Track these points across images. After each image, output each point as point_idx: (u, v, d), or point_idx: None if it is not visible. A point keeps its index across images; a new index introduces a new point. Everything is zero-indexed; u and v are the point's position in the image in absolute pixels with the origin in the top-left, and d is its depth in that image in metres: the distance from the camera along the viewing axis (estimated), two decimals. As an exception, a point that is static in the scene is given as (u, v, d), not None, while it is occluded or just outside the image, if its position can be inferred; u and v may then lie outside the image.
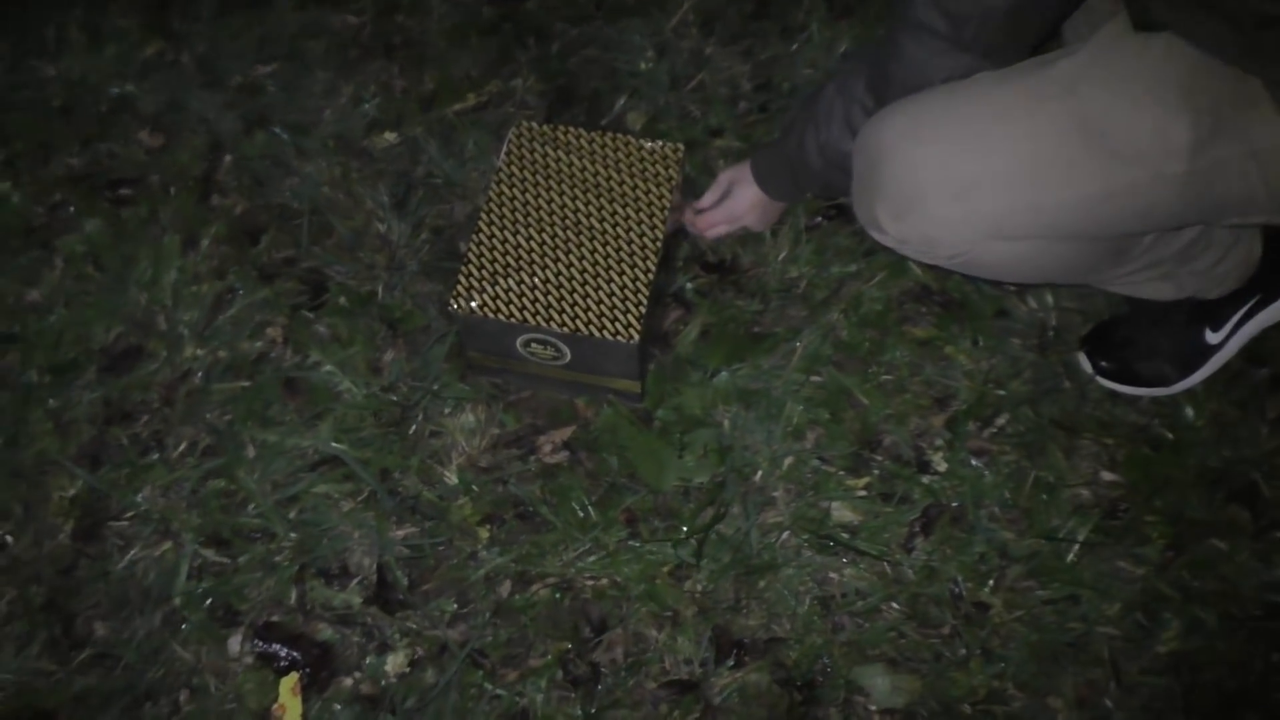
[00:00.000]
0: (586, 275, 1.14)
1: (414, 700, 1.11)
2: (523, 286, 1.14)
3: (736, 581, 1.16)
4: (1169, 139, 0.86)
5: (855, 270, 1.34)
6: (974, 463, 1.22)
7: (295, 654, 1.13)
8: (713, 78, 1.51)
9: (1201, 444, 1.22)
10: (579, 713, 1.10)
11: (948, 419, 1.25)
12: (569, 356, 1.17)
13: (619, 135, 1.24)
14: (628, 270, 1.15)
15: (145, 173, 1.45)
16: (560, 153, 1.23)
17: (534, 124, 1.25)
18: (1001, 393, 1.26)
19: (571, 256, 1.16)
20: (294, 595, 1.16)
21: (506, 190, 1.20)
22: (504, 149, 1.24)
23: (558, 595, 1.16)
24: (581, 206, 1.19)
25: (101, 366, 1.30)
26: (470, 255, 1.16)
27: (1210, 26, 0.83)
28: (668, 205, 1.19)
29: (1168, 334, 1.21)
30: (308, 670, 1.12)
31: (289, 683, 1.12)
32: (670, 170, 1.21)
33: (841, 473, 1.22)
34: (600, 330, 1.11)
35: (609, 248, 1.16)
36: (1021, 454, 1.22)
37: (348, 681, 1.12)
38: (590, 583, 1.16)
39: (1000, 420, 1.25)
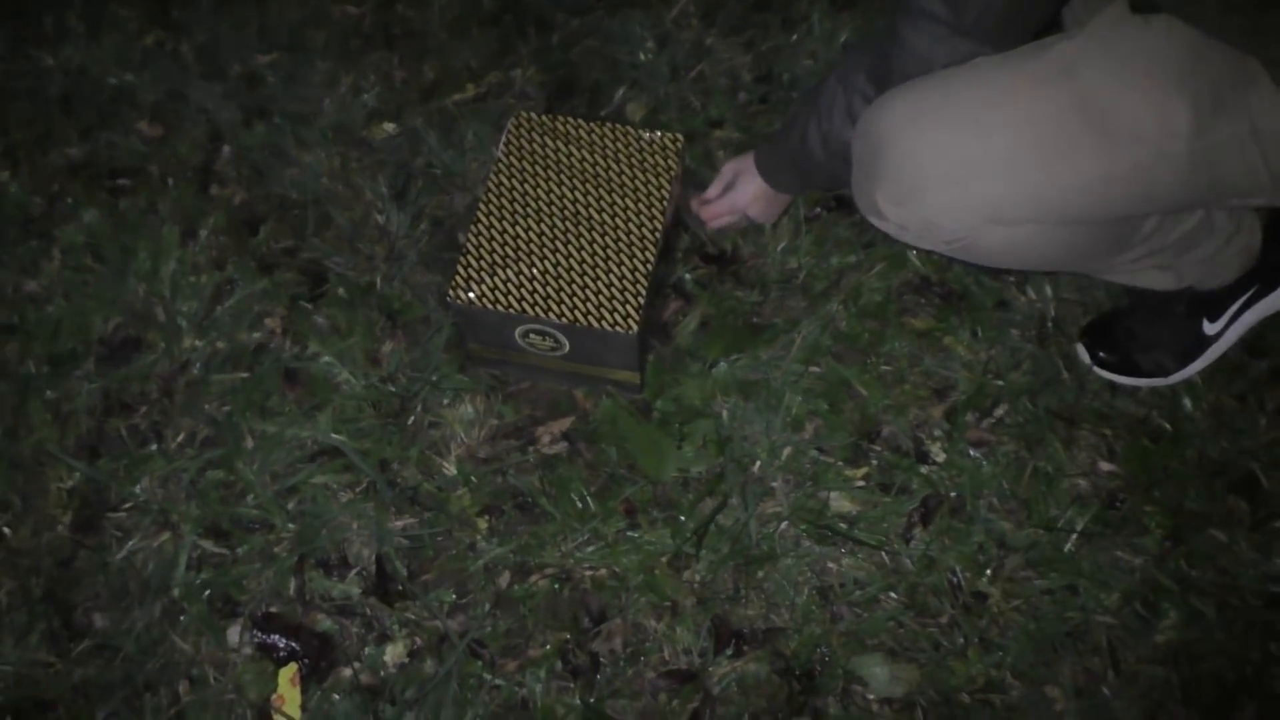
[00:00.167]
0: (585, 266, 1.14)
1: (413, 690, 1.11)
2: (521, 277, 1.14)
3: (735, 571, 1.16)
4: (1169, 120, 0.86)
5: (855, 261, 1.34)
6: (973, 453, 1.22)
7: (294, 644, 1.13)
8: (713, 69, 1.50)
9: (1200, 435, 1.22)
10: (578, 702, 1.10)
11: (947, 410, 1.25)
12: (568, 347, 1.16)
13: (619, 126, 1.24)
14: (627, 261, 1.14)
15: (144, 163, 1.45)
16: (560, 143, 1.23)
17: (533, 115, 1.25)
18: (1000, 384, 1.26)
19: (570, 247, 1.15)
20: (293, 586, 1.16)
21: (505, 181, 1.20)
22: (503, 139, 1.23)
23: (557, 586, 1.16)
24: (581, 197, 1.19)
25: (100, 357, 1.30)
26: (469, 246, 1.16)
27: (1209, 7, 0.83)
28: (667, 196, 1.19)
29: (1167, 325, 1.21)
30: (307, 661, 1.13)
31: (288, 673, 1.12)
32: (670, 161, 1.21)
33: (840, 463, 1.22)
34: (599, 321, 1.11)
35: (608, 238, 1.16)
36: (1020, 445, 1.22)
37: (347, 672, 1.12)
38: (589, 573, 1.16)
39: (999, 411, 1.25)
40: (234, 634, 1.14)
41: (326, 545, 1.18)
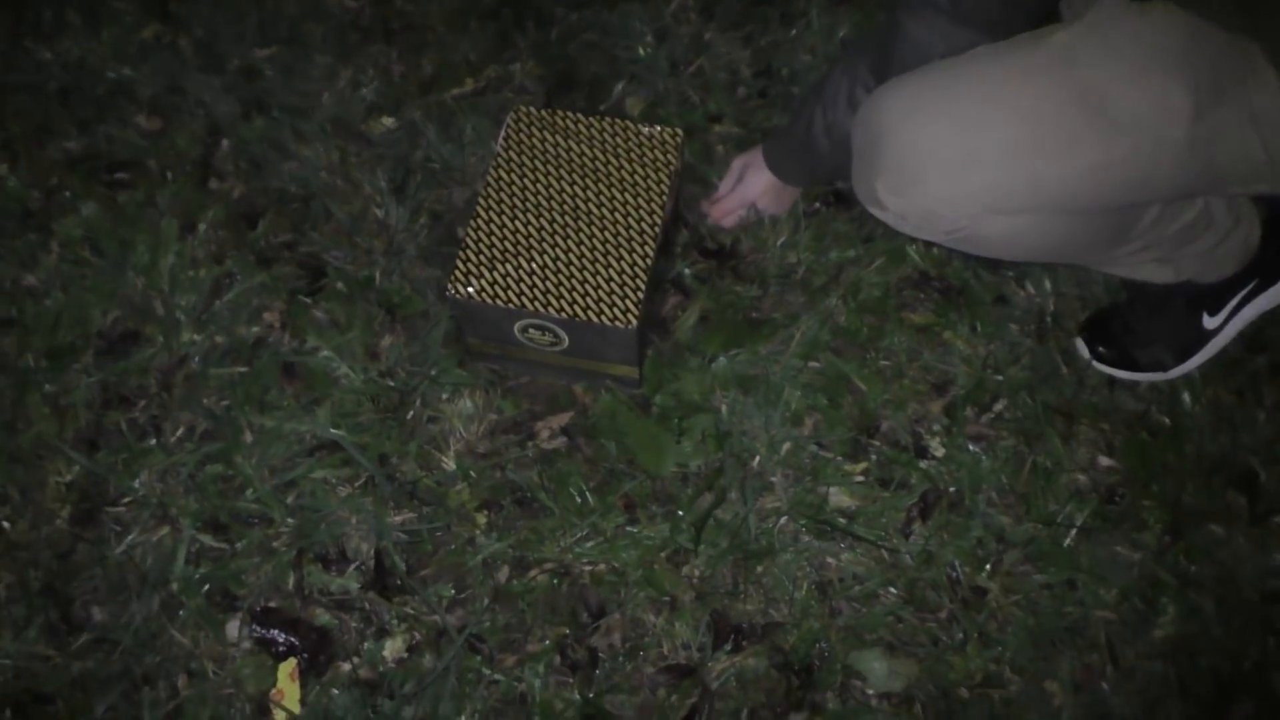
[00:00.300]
0: (585, 261, 1.14)
1: (412, 685, 1.11)
2: (520, 272, 1.14)
3: (734, 566, 1.16)
4: (1168, 106, 0.86)
5: (854, 256, 1.34)
6: (972, 448, 1.22)
7: (293, 639, 1.13)
8: (712, 63, 1.50)
9: (1199, 430, 1.23)
10: (577, 697, 1.10)
11: (946, 405, 1.25)
12: (567, 342, 1.16)
13: (618, 120, 1.23)
14: (626, 256, 1.14)
15: (143, 157, 1.45)
16: (559, 138, 1.22)
17: (532, 109, 1.25)
18: (1000, 378, 1.26)
19: (570, 242, 1.15)
20: (292, 580, 1.16)
21: (505, 175, 1.20)
22: (502, 134, 1.23)
23: (556, 581, 1.16)
24: (580, 192, 1.19)
25: (99, 351, 1.30)
26: (468, 240, 1.16)
27: None
28: (666, 191, 1.18)
29: (1166, 320, 1.21)
30: (306, 655, 1.13)
31: (287, 668, 1.12)
32: (669, 156, 1.21)
33: (839, 458, 1.22)
34: (598, 316, 1.11)
35: (607, 233, 1.16)
36: (1019, 439, 1.22)
37: (346, 666, 1.12)
38: (588, 568, 1.16)
39: (998, 406, 1.25)
40: (233, 628, 1.14)
41: (325, 539, 1.18)
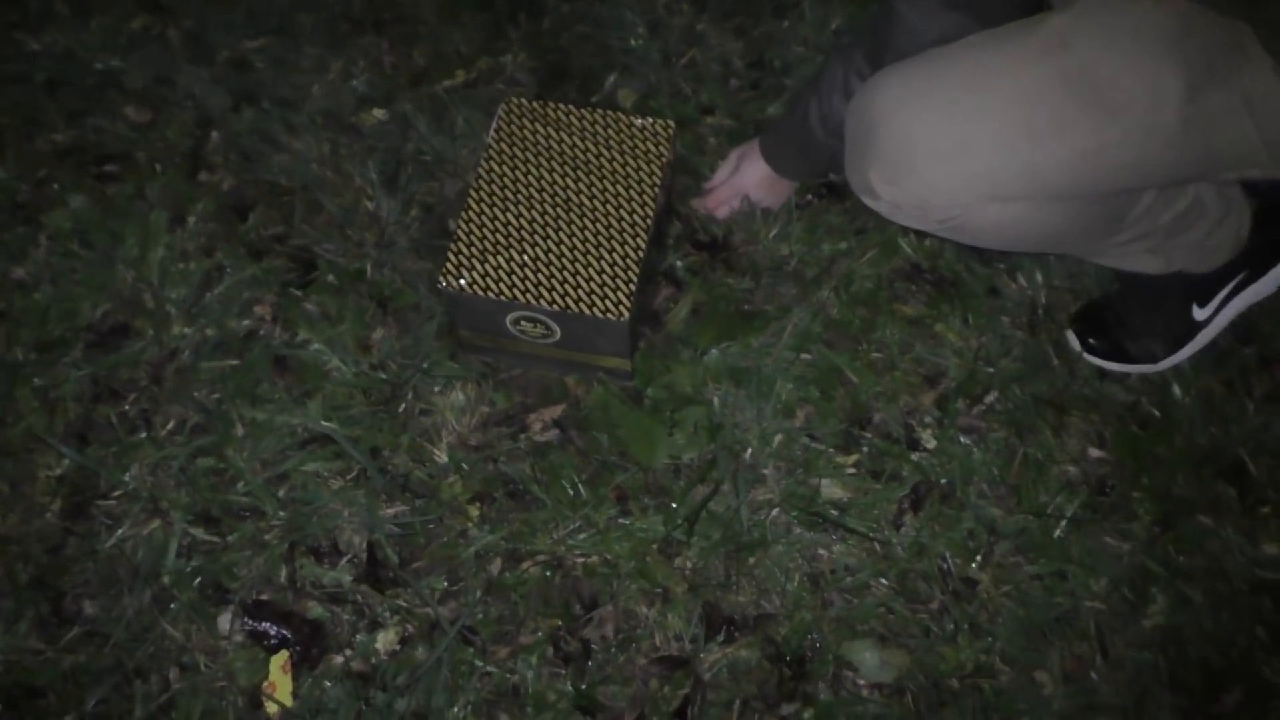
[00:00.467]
0: (576, 253, 1.14)
1: (405, 677, 1.11)
2: (512, 264, 1.13)
3: (726, 558, 1.17)
4: (1161, 88, 0.86)
5: (846, 248, 1.34)
6: (963, 440, 1.22)
7: (285, 632, 1.13)
8: (705, 55, 1.50)
9: (1189, 422, 1.23)
10: (570, 689, 1.10)
11: (937, 397, 1.25)
12: (559, 334, 1.16)
13: (610, 112, 1.23)
14: (618, 248, 1.14)
15: (132, 149, 1.44)
16: (550, 130, 1.22)
17: (524, 101, 1.24)
18: (991, 370, 1.26)
19: (561, 234, 1.15)
20: (284, 573, 1.16)
21: (496, 167, 1.20)
22: (494, 126, 1.23)
23: (548, 573, 1.16)
24: (572, 184, 1.18)
25: (88, 344, 1.29)
26: (460, 233, 1.15)
27: None
28: (658, 183, 1.18)
29: (1157, 311, 1.22)
30: (298, 648, 1.12)
31: (279, 660, 1.12)
32: (661, 148, 1.21)
33: (831, 450, 1.22)
34: (590, 308, 1.11)
35: (599, 225, 1.16)
36: (1010, 431, 1.23)
37: (338, 659, 1.12)
38: (581, 560, 1.17)
39: (989, 398, 1.25)
40: (225, 621, 1.14)
41: (317, 532, 1.18)
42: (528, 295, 1.12)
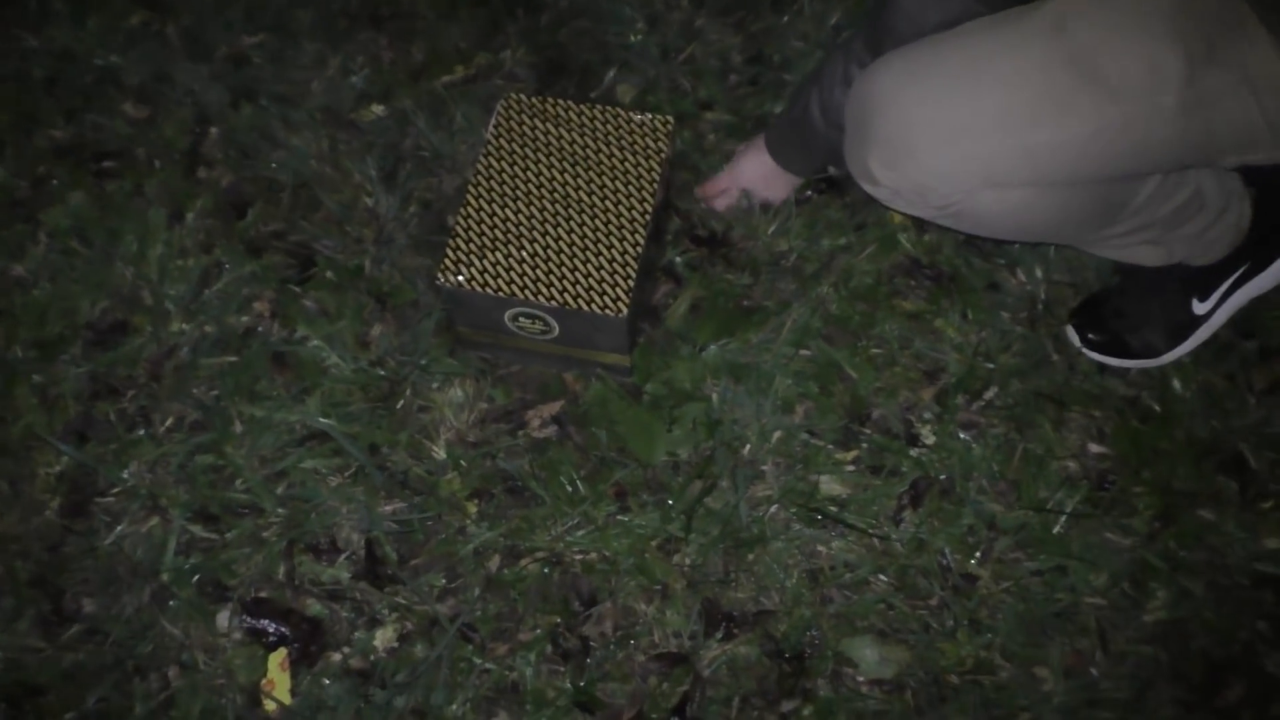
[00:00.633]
0: (575, 249, 1.14)
1: (404, 674, 1.11)
2: (511, 260, 1.13)
3: (725, 555, 1.16)
4: (1161, 69, 0.85)
5: (845, 244, 1.33)
6: (963, 435, 1.22)
7: (284, 629, 1.13)
8: (704, 50, 1.49)
9: (1189, 416, 1.23)
10: (569, 686, 1.10)
11: (937, 392, 1.25)
12: (558, 330, 1.16)
13: (608, 108, 1.23)
14: (616, 244, 1.14)
15: (130, 145, 1.44)
16: (549, 125, 1.22)
17: (523, 96, 1.24)
18: (991, 366, 1.26)
19: (560, 230, 1.15)
20: (282, 570, 1.16)
21: (495, 163, 1.19)
22: (492, 122, 1.23)
23: (547, 569, 1.16)
24: (570, 180, 1.18)
25: (87, 342, 1.29)
26: (458, 229, 1.15)
27: None
28: (657, 178, 1.18)
29: (1158, 305, 1.21)
30: (297, 645, 1.12)
31: (278, 658, 1.12)
32: (660, 143, 1.20)
33: (830, 446, 1.22)
34: (589, 304, 1.11)
35: (598, 221, 1.15)
36: (1010, 427, 1.22)
37: (337, 656, 1.12)
38: (580, 557, 1.16)
39: (989, 393, 1.25)
40: (224, 619, 1.14)
41: (316, 529, 1.18)
42: (526, 291, 1.11)
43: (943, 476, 1.20)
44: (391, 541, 1.17)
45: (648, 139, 1.21)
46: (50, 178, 1.41)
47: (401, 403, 1.25)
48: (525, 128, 1.22)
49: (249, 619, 1.14)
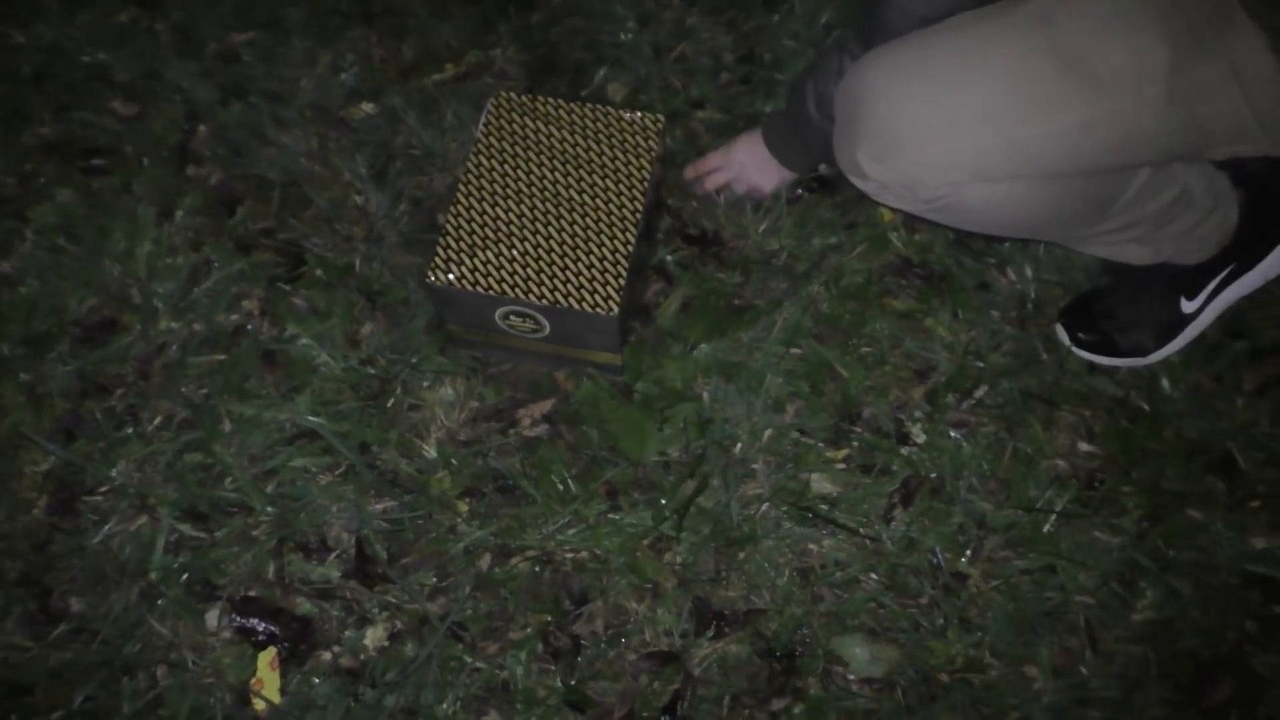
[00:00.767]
0: (566, 247, 1.14)
1: (394, 673, 1.11)
2: (501, 259, 1.13)
3: (716, 553, 1.16)
4: (1147, 61, 0.86)
5: (836, 243, 1.34)
6: (953, 434, 1.22)
7: (273, 628, 1.13)
8: (695, 49, 1.49)
9: (1179, 416, 1.23)
10: (559, 684, 1.10)
11: (927, 391, 1.25)
12: (548, 329, 1.16)
13: (599, 106, 1.23)
14: (607, 242, 1.14)
15: (119, 142, 1.43)
16: (540, 124, 1.22)
17: (513, 95, 1.24)
18: (981, 365, 1.26)
19: (551, 228, 1.15)
20: (272, 569, 1.16)
21: (485, 161, 1.19)
22: (483, 120, 1.22)
23: (538, 568, 1.16)
24: (561, 178, 1.18)
25: (75, 339, 1.29)
26: (448, 227, 1.15)
27: None
28: (648, 177, 1.18)
29: (1145, 304, 1.22)
30: (286, 644, 1.12)
31: (267, 657, 1.12)
32: (651, 142, 1.20)
33: (821, 445, 1.22)
34: (579, 302, 1.11)
35: (589, 219, 1.15)
36: (1000, 426, 1.23)
37: (327, 655, 1.12)
38: (570, 555, 1.16)
39: (979, 392, 1.25)
40: (213, 617, 1.14)
41: (306, 528, 1.18)
42: (517, 290, 1.11)
43: (933, 475, 1.20)
44: (382, 540, 1.17)
45: (639, 137, 1.20)
46: (38, 175, 1.41)
47: (392, 401, 1.24)
48: (516, 126, 1.21)
49: (238, 618, 1.13)
